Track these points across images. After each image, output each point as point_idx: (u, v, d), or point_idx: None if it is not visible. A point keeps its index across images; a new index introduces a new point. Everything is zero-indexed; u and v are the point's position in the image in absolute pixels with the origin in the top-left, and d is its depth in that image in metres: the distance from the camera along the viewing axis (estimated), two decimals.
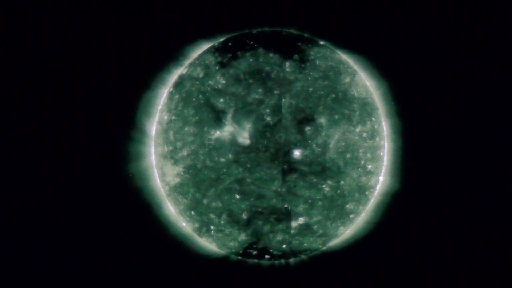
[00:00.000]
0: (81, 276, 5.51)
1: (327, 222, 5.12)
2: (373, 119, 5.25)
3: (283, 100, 4.70)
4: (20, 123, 5.37)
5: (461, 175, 5.40)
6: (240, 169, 4.71)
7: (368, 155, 5.10)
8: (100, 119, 5.56)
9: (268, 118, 4.66)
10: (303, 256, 5.51)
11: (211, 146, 4.74)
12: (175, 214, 5.39)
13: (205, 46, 5.62)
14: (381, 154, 5.33)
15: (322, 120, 4.75)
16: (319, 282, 5.76)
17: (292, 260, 5.52)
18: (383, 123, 5.44)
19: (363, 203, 5.31)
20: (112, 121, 5.59)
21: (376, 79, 5.50)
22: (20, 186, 5.39)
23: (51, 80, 5.42)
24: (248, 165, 4.68)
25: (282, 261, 5.49)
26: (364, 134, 5.06)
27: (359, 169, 5.02)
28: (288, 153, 4.66)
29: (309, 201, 4.84)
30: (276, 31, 5.42)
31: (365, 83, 5.43)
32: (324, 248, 5.51)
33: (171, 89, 5.30)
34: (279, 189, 4.73)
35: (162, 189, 5.37)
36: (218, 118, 4.73)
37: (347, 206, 5.13)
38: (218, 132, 4.71)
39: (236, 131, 4.68)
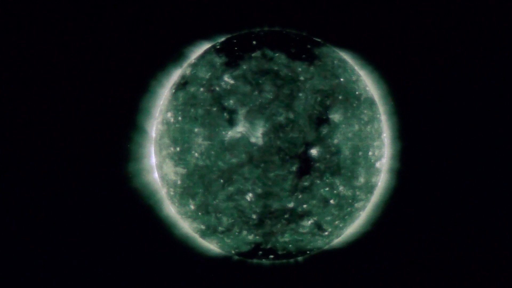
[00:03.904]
0: (82, 275, 5.42)
1: (336, 222, 5.12)
2: (378, 116, 5.29)
3: (296, 99, 4.68)
4: (20, 123, 5.22)
5: (460, 173, 5.48)
6: (252, 169, 4.65)
7: (376, 153, 5.14)
8: (100, 120, 5.44)
9: (280, 118, 4.62)
10: (306, 255, 5.50)
11: (222, 147, 4.66)
12: (183, 215, 5.27)
13: (205, 46, 5.56)
14: (385, 152, 5.38)
15: (336, 119, 4.75)
16: (320, 280, 5.76)
17: (293, 259, 5.51)
18: (384, 120, 5.49)
19: (369, 201, 5.35)
20: (113, 121, 5.48)
21: (374, 77, 5.54)
22: (21, 187, 5.29)
23: (51, 80, 5.27)
24: (261, 165, 4.62)
25: (284, 260, 5.46)
26: (374, 132, 5.09)
27: (370, 168, 5.04)
28: (304, 152, 4.63)
29: (323, 200, 4.83)
30: (278, 30, 5.39)
31: (367, 81, 5.47)
32: (326, 246, 5.51)
33: (176, 89, 5.19)
34: (291, 189, 4.69)
35: (169, 190, 5.25)
36: (229, 119, 4.66)
37: (356, 205, 5.15)
38: (229, 133, 4.64)
39: (248, 131, 4.61)
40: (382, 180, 5.44)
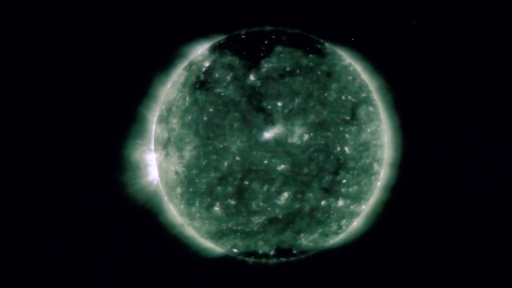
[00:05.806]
0: (83, 276, 5.31)
1: (351, 219, 5.22)
2: (381, 114, 5.47)
3: (326, 98, 4.68)
4: (18, 127, 4.86)
5: (460, 171, 5.56)
6: (289, 168, 4.56)
7: (386, 151, 5.32)
8: (99, 120, 5.06)
9: (317, 117, 4.60)
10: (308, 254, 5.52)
11: (260, 148, 4.50)
12: (201, 216, 4.98)
13: (204, 46, 5.37)
14: (388, 149, 5.58)
15: (361, 117, 4.83)
16: (320, 280, 5.79)
17: (292, 259, 5.50)
18: (384, 118, 5.68)
19: (378, 200, 5.52)
20: (111, 122, 5.13)
21: (373, 76, 5.66)
22: (20, 194, 5.06)
23: (49, 80, 4.78)
24: (298, 165, 4.56)
25: (283, 259, 5.44)
26: (383, 130, 5.27)
27: (384, 165, 5.22)
28: (340, 151, 4.65)
29: (351, 199, 4.89)
30: (282, 29, 5.36)
31: (366, 79, 5.61)
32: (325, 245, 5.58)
33: (193, 91, 4.88)
34: (326, 187, 4.69)
35: (184, 192, 4.93)
36: (265, 119, 4.52)
37: (370, 201, 5.30)
38: (267, 133, 4.50)
39: (285, 131, 4.52)
40: (385, 178, 5.63)
